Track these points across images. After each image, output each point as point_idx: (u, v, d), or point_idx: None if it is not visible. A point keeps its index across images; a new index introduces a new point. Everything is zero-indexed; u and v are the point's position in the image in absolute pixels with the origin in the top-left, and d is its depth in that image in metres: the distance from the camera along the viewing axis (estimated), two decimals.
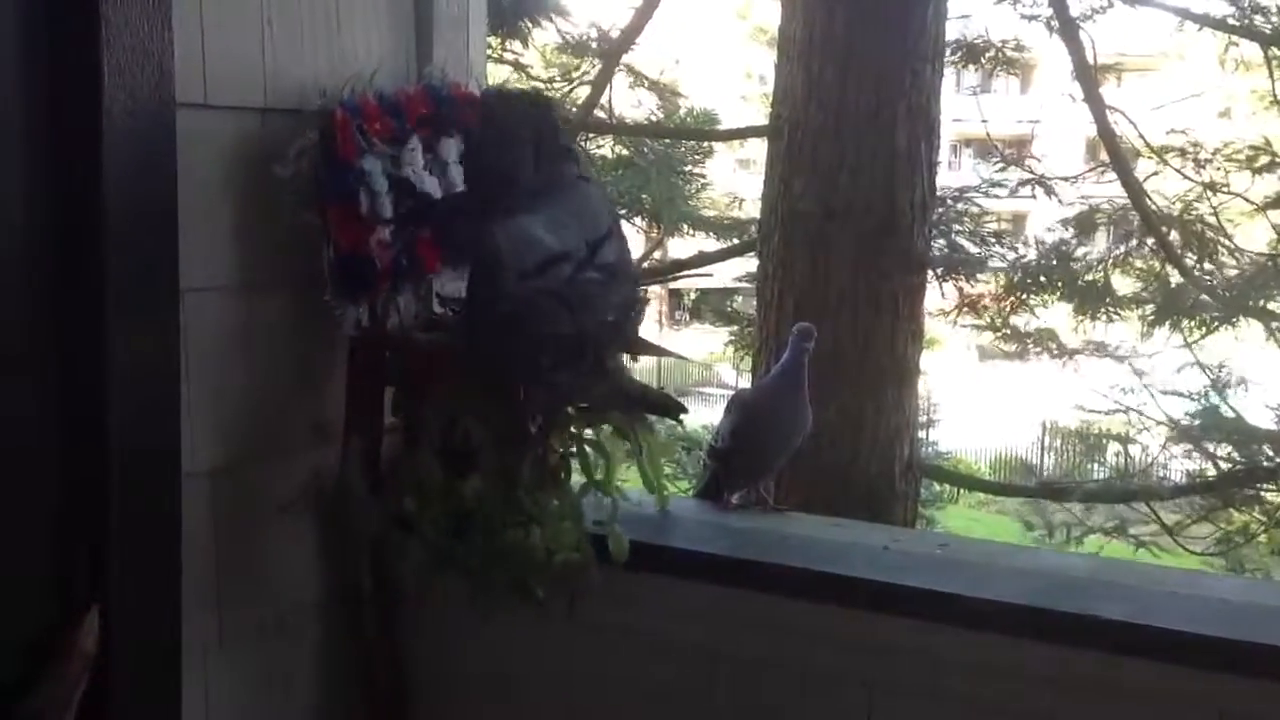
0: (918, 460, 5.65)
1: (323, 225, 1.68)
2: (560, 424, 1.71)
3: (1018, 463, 15.06)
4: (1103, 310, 7.05)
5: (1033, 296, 7.05)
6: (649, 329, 1.80)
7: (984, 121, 7.38)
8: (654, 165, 7.89)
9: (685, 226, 8.50)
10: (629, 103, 8.42)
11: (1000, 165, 7.78)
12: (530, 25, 7.11)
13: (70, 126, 1.42)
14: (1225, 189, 6.94)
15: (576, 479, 1.76)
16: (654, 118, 8.56)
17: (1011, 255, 7.29)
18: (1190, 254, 6.80)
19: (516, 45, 7.52)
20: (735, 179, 10.63)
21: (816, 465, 4.56)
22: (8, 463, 1.42)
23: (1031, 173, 7.43)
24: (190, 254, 1.57)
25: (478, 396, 1.67)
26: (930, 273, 5.82)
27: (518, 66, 7.75)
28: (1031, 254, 7.37)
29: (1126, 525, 6.61)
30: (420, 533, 1.68)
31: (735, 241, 7.93)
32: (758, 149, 7.25)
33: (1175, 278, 6.93)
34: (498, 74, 6.92)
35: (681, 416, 1.85)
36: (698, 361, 16.07)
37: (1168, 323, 6.79)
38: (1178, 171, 6.91)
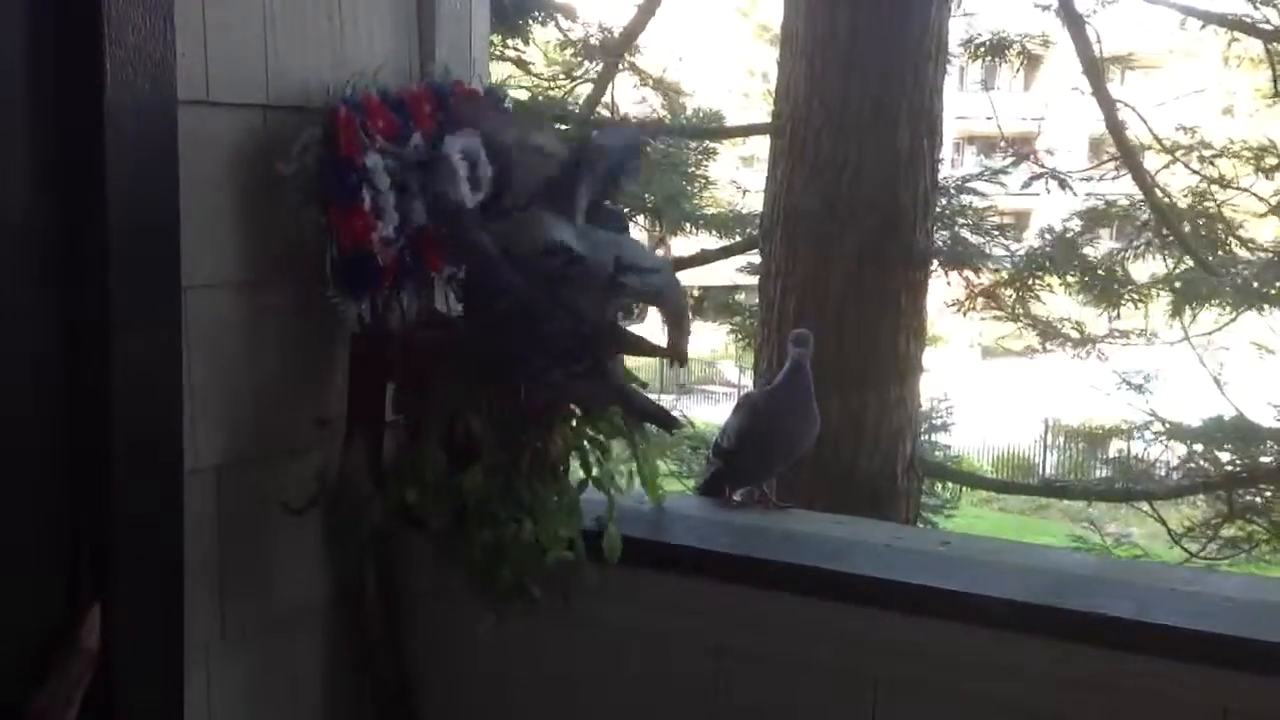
0: (919, 458, 5.65)
1: (325, 222, 1.68)
2: (559, 420, 1.71)
3: (1021, 461, 15.06)
4: (1126, 298, 7.02)
5: (1039, 282, 7.02)
6: (650, 328, 1.80)
7: (989, 118, 7.38)
8: (657, 163, 7.88)
9: (688, 225, 8.49)
10: (632, 100, 8.42)
11: (1013, 160, 7.74)
12: (532, 22, 7.11)
13: (72, 123, 1.42)
14: (1234, 185, 6.94)
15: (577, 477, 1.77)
16: (657, 116, 8.55)
17: (1015, 247, 7.28)
18: (1204, 249, 6.79)
19: (518, 43, 7.52)
20: (738, 177, 10.62)
21: (818, 462, 4.56)
22: (11, 460, 1.42)
23: (1043, 166, 7.42)
24: (192, 251, 1.56)
25: (478, 391, 1.67)
26: (935, 264, 5.81)
27: (519, 64, 7.75)
28: (1036, 243, 7.36)
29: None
30: (423, 526, 1.68)
31: (738, 239, 7.93)
32: (760, 146, 7.25)
33: (1186, 266, 6.91)
34: (499, 71, 6.92)
35: (675, 432, 1.85)
36: (700, 359, 16.08)
37: (1190, 309, 6.76)
38: (1187, 167, 6.91)
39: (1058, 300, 7.43)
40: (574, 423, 1.74)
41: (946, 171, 5.99)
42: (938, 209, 5.84)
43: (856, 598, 1.63)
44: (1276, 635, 1.43)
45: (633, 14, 7.42)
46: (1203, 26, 6.99)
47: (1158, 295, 7.09)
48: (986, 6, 7.47)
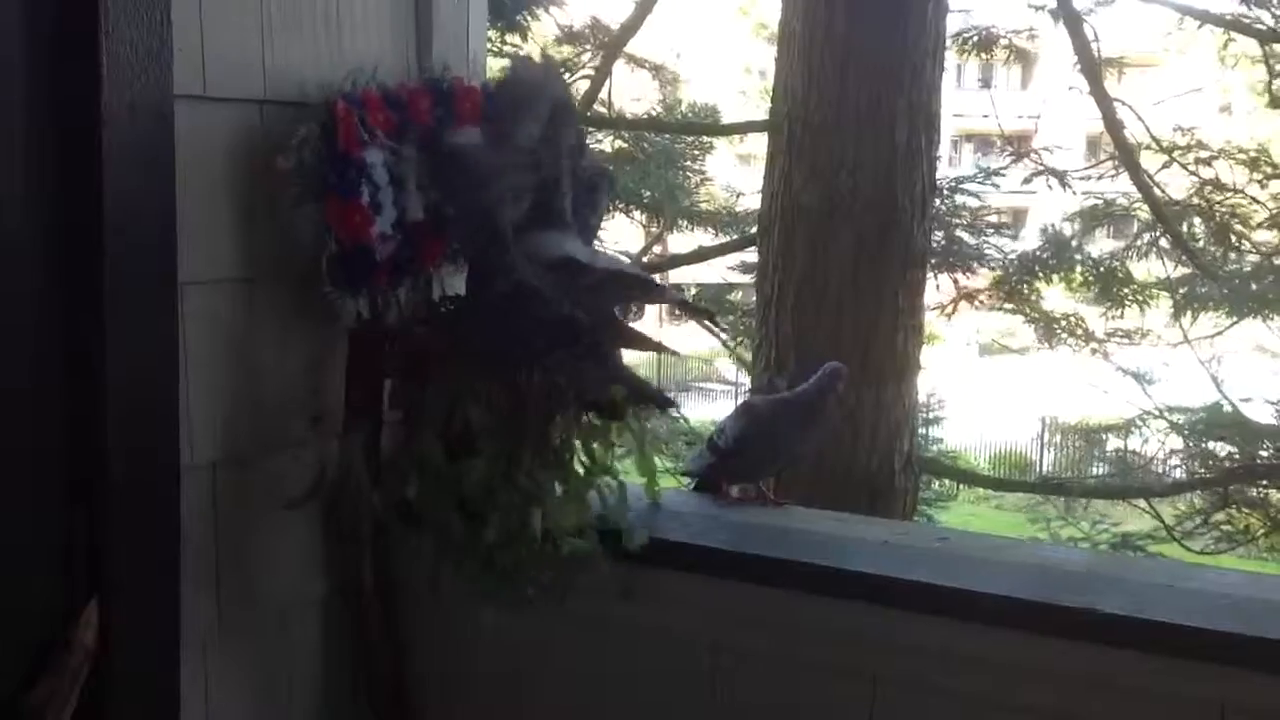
0: (917, 455, 5.65)
1: (323, 218, 1.68)
2: (561, 407, 1.71)
3: (1018, 458, 15.08)
4: (1130, 298, 7.03)
5: (1028, 285, 7.04)
6: (648, 324, 1.80)
7: (985, 116, 7.39)
8: (654, 160, 7.88)
9: (685, 221, 8.49)
10: (629, 96, 8.41)
11: (1012, 157, 7.74)
12: (529, 18, 7.10)
13: (69, 118, 1.42)
14: (1232, 188, 6.95)
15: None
16: (654, 112, 8.55)
17: (1010, 247, 7.29)
18: (1204, 249, 6.79)
19: (515, 39, 7.51)
20: (735, 174, 10.62)
21: (816, 459, 4.56)
22: (8, 456, 1.42)
23: (1042, 164, 7.42)
24: (189, 247, 1.56)
25: (478, 378, 1.67)
26: (929, 264, 5.81)
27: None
28: (1034, 243, 7.36)
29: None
30: (424, 520, 1.68)
31: (734, 237, 7.93)
32: (758, 144, 7.25)
33: (1185, 269, 6.93)
34: (497, 67, 6.90)
35: (673, 412, 1.85)
36: (697, 357, 16.08)
37: (1190, 311, 6.78)
38: (1185, 168, 6.91)
39: (1058, 298, 7.44)
40: (574, 412, 1.73)
41: (944, 169, 5.98)
42: (934, 210, 5.84)
43: (854, 594, 1.63)
44: (1273, 632, 1.43)
45: (630, 11, 7.41)
46: (1200, 25, 7.00)
47: (1156, 299, 7.11)
48: (983, 5, 7.47)
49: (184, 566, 1.59)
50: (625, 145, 8.15)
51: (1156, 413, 6.82)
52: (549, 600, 1.67)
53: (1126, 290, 7.02)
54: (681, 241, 9.51)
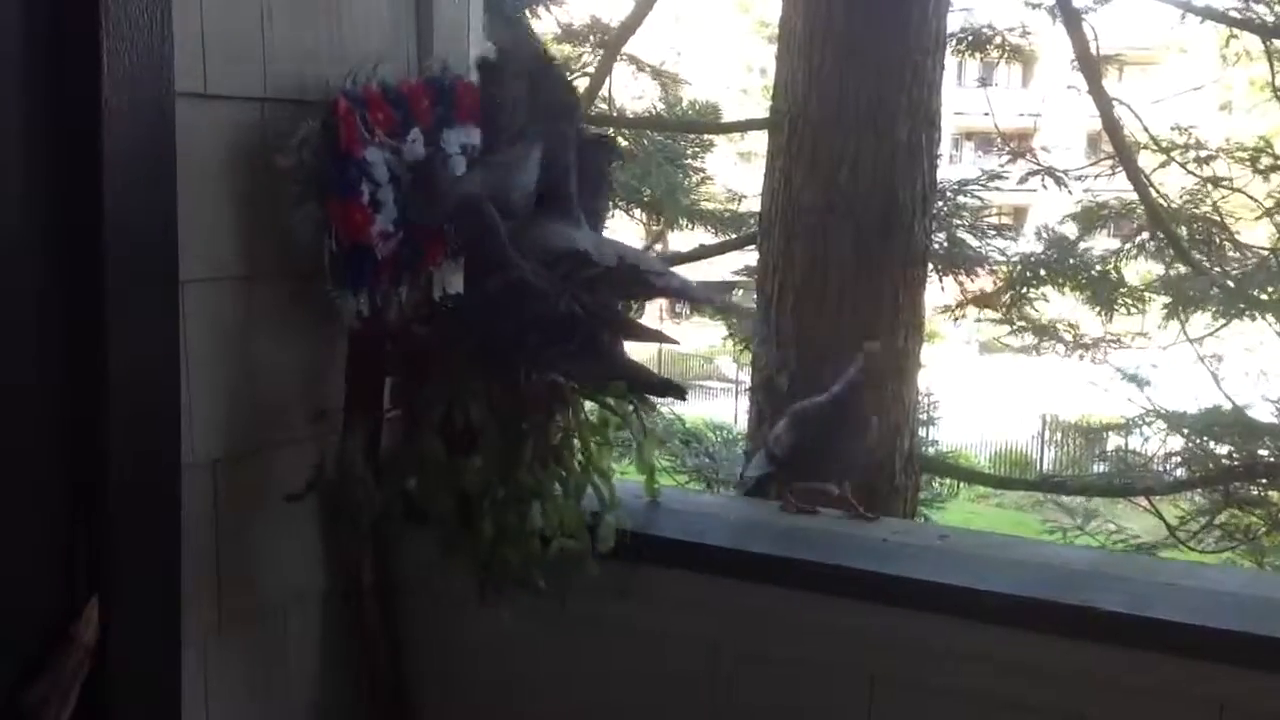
0: (917, 454, 5.64)
1: (323, 216, 1.68)
2: (562, 403, 1.71)
3: (1018, 457, 15.08)
4: (1120, 302, 7.02)
5: (1033, 290, 7.03)
6: (649, 321, 1.81)
7: (986, 114, 7.36)
8: (654, 158, 7.87)
9: (685, 220, 8.49)
10: (630, 94, 8.41)
11: (1009, 157, 7.72)
12: (528, 15, 7.09)
13: (69, 116, 1.42)
14: (1229, 185, 6.94)
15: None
16: (655, 110, 8.54)
17: (1012, 248, 7.27)
18: (1197, 251, 6.78)
19: None
20: (735, 172, 10.62)
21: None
22: (8, 454, 1.42)
23: (1040, 163, 7.40)
24: (190, 245, 1.56)
25: (478, 376, 1.67)
26: (931, 266, 5.81)
27: None
28: (1035, 246, 7.35)
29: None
30: (425, 517, 1.68)
31: (735, 235, 7.92)
32: (758, 142, 7.24)
33: (1179, 269, 6.92)
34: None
35: (673, 407, 1.86)
36: (698, 355, 16.08)
37: (1180, 315, 6.78)
38: (1183, 168, 6.90)
39: (1053, 302, 7.43)
40: (575, 408, 1.73)
41: (945, 168, 5.96)
42: (935, 211, 5.83)
43: (854, 593, 1.63)
44: (1273, 631, 1.43)
45: (630, 9, 7.40)
46: (1201, 21, 6.99)
47: (1151, 300, 7.10)
48: (983, 4, 7.46)
49: (185, 564, 1.59)
50: (626, 143, 8.15)
51: (1157, 413, 6.81)
52: (548, 600, 1.67)
53: (1116, 295, 7.01)
54: (682, 240, 9.51)
